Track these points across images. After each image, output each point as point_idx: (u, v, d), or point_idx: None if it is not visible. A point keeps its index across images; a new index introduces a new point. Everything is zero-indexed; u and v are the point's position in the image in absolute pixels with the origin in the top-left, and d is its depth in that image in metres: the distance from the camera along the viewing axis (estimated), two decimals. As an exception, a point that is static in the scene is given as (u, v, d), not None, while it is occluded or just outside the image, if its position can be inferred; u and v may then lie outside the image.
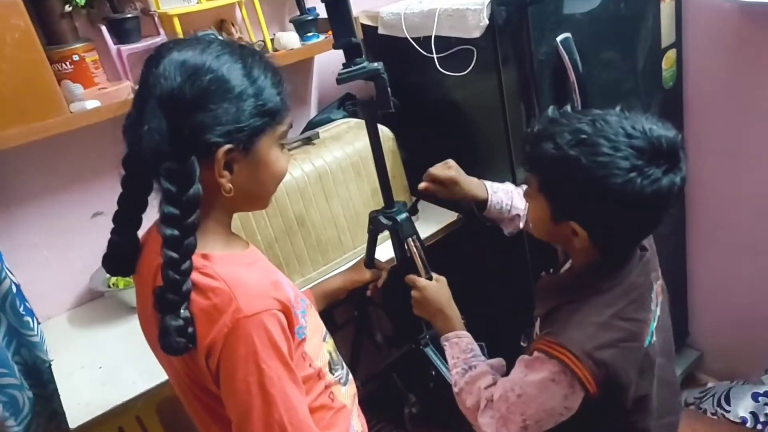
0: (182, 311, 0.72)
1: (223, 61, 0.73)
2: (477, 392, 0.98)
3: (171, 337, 0.72)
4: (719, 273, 1.92)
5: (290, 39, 1.60)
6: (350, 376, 1.00)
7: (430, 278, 1.12)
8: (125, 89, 1.41)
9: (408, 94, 1.70)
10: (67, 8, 1.36)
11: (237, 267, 0.78)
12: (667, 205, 0.85)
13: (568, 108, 0.94)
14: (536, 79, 1.33)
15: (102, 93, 1.39)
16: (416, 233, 1.15)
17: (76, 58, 1.39)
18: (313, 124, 1.77)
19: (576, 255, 0.95)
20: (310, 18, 1.67)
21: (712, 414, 1.50)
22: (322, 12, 1.71)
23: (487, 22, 1.30)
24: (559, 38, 1.30)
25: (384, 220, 1.16)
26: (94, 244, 1.61)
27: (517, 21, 1.28)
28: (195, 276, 0.74)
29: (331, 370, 0.93)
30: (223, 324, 0.72)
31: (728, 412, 1.42)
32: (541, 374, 0.88)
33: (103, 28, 1.42)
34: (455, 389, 1.02)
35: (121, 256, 0.87)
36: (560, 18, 1.32)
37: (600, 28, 1.42)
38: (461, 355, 1.03)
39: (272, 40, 1.62)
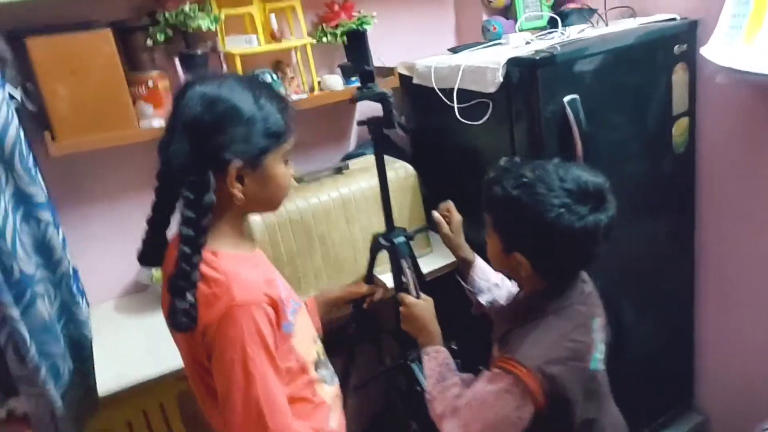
0: (188, 296, 0.87)
1: (236, 92, 0.90)
2: (446, 400, 1.09)
3: (178, 316, 0.87)
4: (728, 338, 1.94)
5: (334, 81, 1.81)
6: (335, 379, 1.13)
7: (418, 297, 1.25)
8: (187, 112, 1.65)
9: (433, 137, 1.88)
10: (149, 43, 1.62)
11: (239, 265, 0.93)
12: (595, 241, 0.97)
13: (517, 159, 1.08)
14: (543, 133, 1.47)
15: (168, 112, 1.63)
16: (411, 256, 1.29)
17: (150, 83, 1.64)
18: (348, 157, 1.97)
19: (525, 283, 1.08)
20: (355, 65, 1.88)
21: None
22: (366, 61, 1.93)
23: (501, 79, 1.46)
24: (566, 99, 1.44)
25: (383, 242, 1.32)
26: (144, 243, 1.85)
27: (528, 80, 1.44)
28: (203, 268, 0.89)
29: (316, 368, 1.06)
30: (218, 309, 0.88)
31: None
32: (499, 385, 0.99)
33: (177, 61, 1.68)
34: (428, 396, 1.13)
35: (151, 250, 1.04)
36: (569, 80, 1.46)
37: (609, 92, 1.54)
38: (437, 368, 1.15)
39: (319, 82, 1.84)
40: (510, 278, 1.20)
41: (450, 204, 1.35)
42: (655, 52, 1.59)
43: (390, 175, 1.76)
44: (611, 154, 1.59)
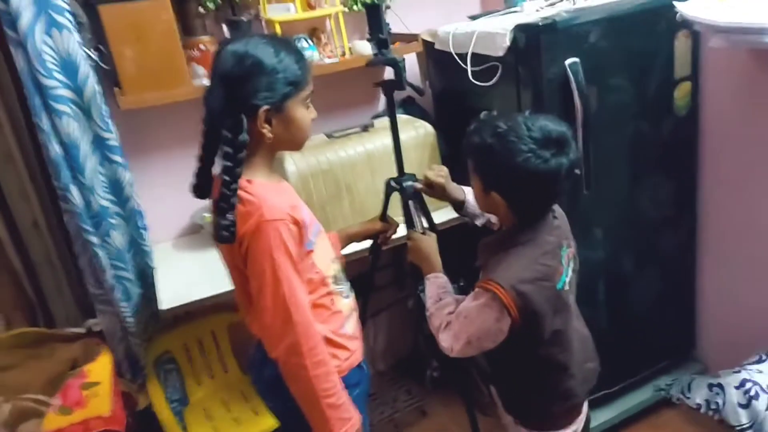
0: (229, 216, 1.09)
1: (260, 48, 1.09)
2: (441, 316, 1.29)
3: (221, 231, 1.10)
4: (728, 294, 2.06)
5: (363, 47, 2.00)
6: (352, 293, 1.35)
7: (424, 233, 1.46)
8: (233, 73, 1.89)
9: (453, 99, 2.06)
10: (201, 10, 1.84)
11: (268, 191, 1.15)
12: (558, 181, 1.14)
13: (495, 112, 1.25)
14: (545, 94, 1.62)
15: (216, 74, 1.87)
16: (419, 198, 1.49)
17: (202, 47, 1.88)
18: (376, 117, 2.17)
19: (502, 219, 1.27)
20: (383, 32, 2.06)
21: (677, 399, 1.70)
22: (395, 28, 2.11)
23: (508, 44, 1.62)
24: (567, 62, 1.59)
25: (394, 185, 1.53)
26: (197, 190, 2.11)
27: (532, 45, 1.59)
28: (240, 192, 1.11)
29: (334, 283, 1.29)
30: (251, 223, 1.09)
31: (688, 398, 1.61)
32: (480, 301, 1.19)
33: (224, 26, 1.90)
34: (428, 313, 1.34)
35: (200, 183, 1.25)
36: (571, 45, 1.60)
37: (611, 57, 1.68)
38: (436, 290, 1.35)
39: (350, 47, 2.04)
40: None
41: (427, 173, 1.49)
42: (658, 20, 1.71)
43: (411, 133, 1.97)
44: (613, 115, 1.74)
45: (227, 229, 1.10)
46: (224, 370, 2.21)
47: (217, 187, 1.17)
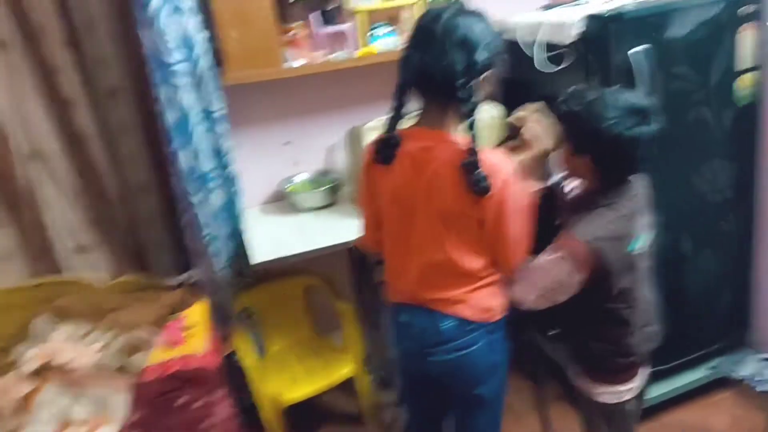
0: (479, 171, 1.21)
1: (481, 19, 1.24)
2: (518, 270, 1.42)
3: (480, 183, 1.21)
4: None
5: (438, 34, 2.16)
6: None
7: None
8: (319, 56, 2.09)
9: (521, 85, 2.18)
10: (292, -1, 2.05)
11: (489, 150, 1.27)
12: (638, 146, 1.27)
13: (582, 86, 1.37)
14: (613, 80, 1.74)
15: (305, 55, 2.07)
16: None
17: (294, 32, 2.08)
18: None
19: (588, 181, 1.39)
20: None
21: (724, 372, 1.80)
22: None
23: (578, 32, 1.74)
24: (633, 50, 1.71)
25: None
26: (281, 162, 2.33)
27: (601, 33, 1.71)
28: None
29: None
30: (499, 179, 1.24)
31: (733, 371, 1.70)
32: (557, 254, 1.31)
33: (314, 15, 2.09)
34: None
35: (386, 147, 1.33)
36: (637, 35, 1.71)
37: (673, 47, 1.78)
38: None
39: (426, 34, 2.19)
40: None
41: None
42: (721, 12, 1.79)
43: (482, 114, 2.11)
44: (675, 102, 1.83)
45: (481, 182, 1.23)
46: (298, 328, 2.43)
47: (424, 150, 1.29)
